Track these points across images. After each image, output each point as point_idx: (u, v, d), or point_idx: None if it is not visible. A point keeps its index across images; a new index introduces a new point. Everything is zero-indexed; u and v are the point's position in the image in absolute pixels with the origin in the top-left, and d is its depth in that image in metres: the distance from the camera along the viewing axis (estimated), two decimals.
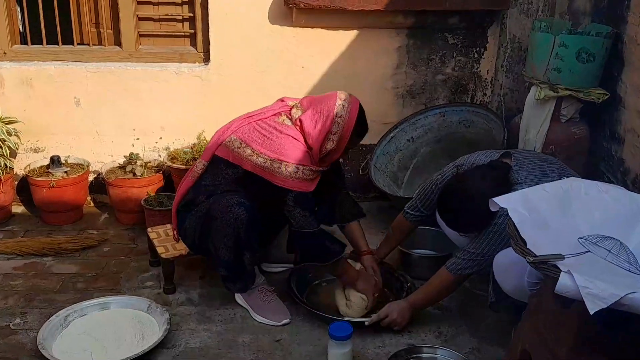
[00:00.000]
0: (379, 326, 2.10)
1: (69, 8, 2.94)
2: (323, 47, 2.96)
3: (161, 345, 2.00)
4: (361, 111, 2.13)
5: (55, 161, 2.88)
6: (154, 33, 3.02)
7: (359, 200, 3.15)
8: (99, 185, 3.06)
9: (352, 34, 2.96)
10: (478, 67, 3.10)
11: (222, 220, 2.03)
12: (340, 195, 2.35)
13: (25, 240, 2.69)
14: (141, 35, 3.01)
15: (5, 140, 2.82)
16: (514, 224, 1.40)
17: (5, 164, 2.85)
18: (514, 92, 3.08)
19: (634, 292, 1.18)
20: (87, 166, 2.97)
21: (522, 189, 1.64)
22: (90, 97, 2.96)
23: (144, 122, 3.01)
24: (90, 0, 2.96)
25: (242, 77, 2.97)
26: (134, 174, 2.87)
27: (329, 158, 2.15)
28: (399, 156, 3.10)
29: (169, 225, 2.43)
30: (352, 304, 2.17)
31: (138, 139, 3.04)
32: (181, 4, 2.99)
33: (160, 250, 2.33)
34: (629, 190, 1.64)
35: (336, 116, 2.06)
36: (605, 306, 1.16)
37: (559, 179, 1.71)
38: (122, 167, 2.94)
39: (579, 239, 1.38)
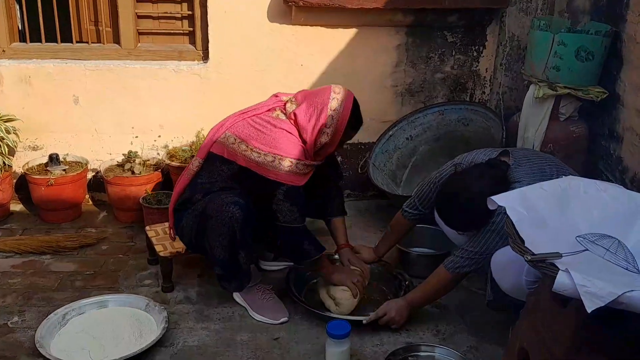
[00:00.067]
0: (377, 324, 2.10)
1: (68, 6, 2.93)
2: (322, 46, 2.96)
3: (159, 343, 2.00)
4: (355, 104, 2.13)
5: (53, 159, 2.88)
6: (153, 31, 3.01)
7: (358, 198, 3.21)
8: (98, 183, 3.05)
9: (351, 32, 2.96)
10: (477, 66, 3.10)
11: (217, 219, 2.03)
12: (332, 190, 2.37)
13: (24, 239, 2.69)
14: (140, 33, 3.01)
15: (3, 138, 2.82)
16: (512, 222, 1.40)
17: (4, 162, 2.85)
18: (513, 91, 3.08)
19: (632, 290, 1.17)
20: (86, 164, 2.96)
21: (521, 187, 1.63)
22: (89, 95, 2.95)
23: (142, 120, 3.01)
24: None
25: (241, 75, 2.96)
26: (133, 172, 2.87)
27: (323, 151, 2.15)
28: (397, 154, 3.10)
29: (167, 224, 2.40)
30: (338, 300, 2.17)
31: (137, 137, 3.03)
32: (180, 2, 2.98)
33: (158, 248, 2.33)
34: (628, 188, 1.62)
35: (330, 109, 2.07)
36: (603, 304, 1.16)
37: (557, 178, 1.69)
38: (120, 165, 2.94)
39: (577, 238, 1.38)
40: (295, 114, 2.10)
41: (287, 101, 2.16)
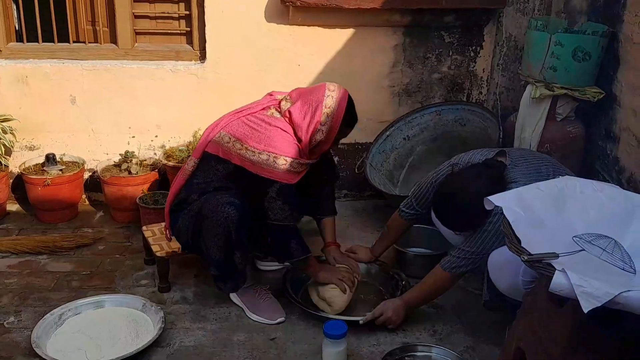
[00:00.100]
0: (373, 324, 2.09)
1: (65, 5, 2.92)
2: (319, 46, 2.96)
3: (156, 343, 1.99)
4: (350, 101, 2.14)
5: (50, 159, 2.87)
6: (150, 31, 3.00)
7: (355, 198, 3.21)
8: (94, 183, 3.04)
9: (348, 32, 2.95)
10: (474, 66, 3.10)
11: (213, 220, 2.02)
12: (326, 189, 2.38)
13: (20, 239, 2.68)
14: (137, 33, 3.00)
15: (0, 138, 2.81)
16: (508, 222, 1.40)
17: (0, 162, 2.84)
18: (510, 91, 3.08)
19: (628, 290, 1.18)
20: (83, 164, 2.95)
21: (517, 187, 1.64)
22: (86, 95, 2.95)
23: (139, 120, 3.00)
24: None
25: (239, 75, 2.96)
26: (130, 172, 2.86)
27: (318, 149, 2.15)
28: (394, 155, 3.10)
29: (163, 224, 2.40)
30: (329, 300, 2.17)
31: (134, 137, 3.03)
32: (177, 2, 2.98)
33: (155, 248, 2.32)
34: (624, 189, 1.64)
35: (325, 107, 2.07)
36: (599, 305, 1.16)
37: (554, 178, 1.71)
38: (117, 165, 2.93)
39: (574, 238, 1.38)
40: (290, 112, 2.09)
41: (281, 99, 2.16)
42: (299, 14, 2.85)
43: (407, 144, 3.09)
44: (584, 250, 1.36)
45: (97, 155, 3.03)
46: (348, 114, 2.12)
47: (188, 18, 2.98)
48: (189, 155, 2.84)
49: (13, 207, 3.01)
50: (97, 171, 2.97)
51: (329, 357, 1.93)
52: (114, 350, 1.95)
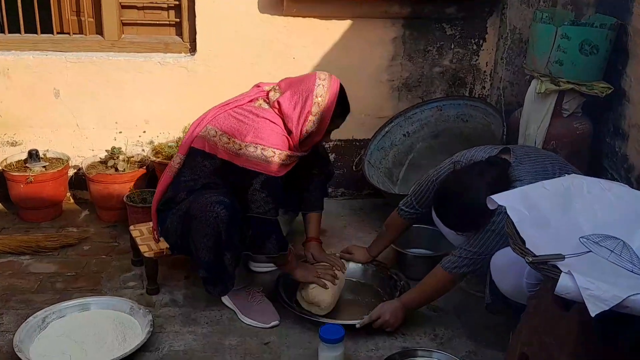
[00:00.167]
0: (371, 328, 2.07)
1: None
2: (315, 38, 2.94)
3: (144, 348, 1.97)
4: (342, 91, 2.12)
5: (33, 155, 2.84)
6: (138, 22, 2.98)
7: (352, 197, 3.23)
8: (80, 181, 3.02)
9: (345, 23, 2.94)
10: (477, 59, 3.08)
11: (202, 220, 2.00)
12: (316, 184, 2.36)
13: (1, 238, 2.63)
14: (124, 24, 2.97)
15: None
16: (512, 222, 1.39)
17: None
18: (514, 86, 3.05)
19: (637, 293, 1.17)
20: (67, 161, 2.93)
21: (522, 186, 1.63)
22: (71, 89, 2.91)
23: (126, 115, 2.98)
24: None
25: (230, 68, 2.93)
26: (116, 169, 2.84)
27: (309, 141, 2.13)
28: (394, 152, 3.08)
29: (151, 223, 2.37)
30: (314, 301, 2.14)
31: (120, 132, 2.99)
32: None
33: (143, 248, 2.30)
34: (633, 188, 1.64)
35: (316, 96, 2.05)
36: (607, 308, 1.15)
37: (560, 176, 1.69)
38: (103, 162, 2.90)
39: (581, 239, 1.38)
40: (279, 103, 2.07)
41: (269, 90, 2.15)
42: (294, 5, 2.83)
43: (407, 140, 3.07)
44: (591, 251, 1.35)
45: (82, 151, 3.00)
46: (340, 104, 2.11)
47: (177, 8, 2.95)
48: None
49: None
50: (82, 168, 2.94)
51: None
52: (100, 354, 1.94)
